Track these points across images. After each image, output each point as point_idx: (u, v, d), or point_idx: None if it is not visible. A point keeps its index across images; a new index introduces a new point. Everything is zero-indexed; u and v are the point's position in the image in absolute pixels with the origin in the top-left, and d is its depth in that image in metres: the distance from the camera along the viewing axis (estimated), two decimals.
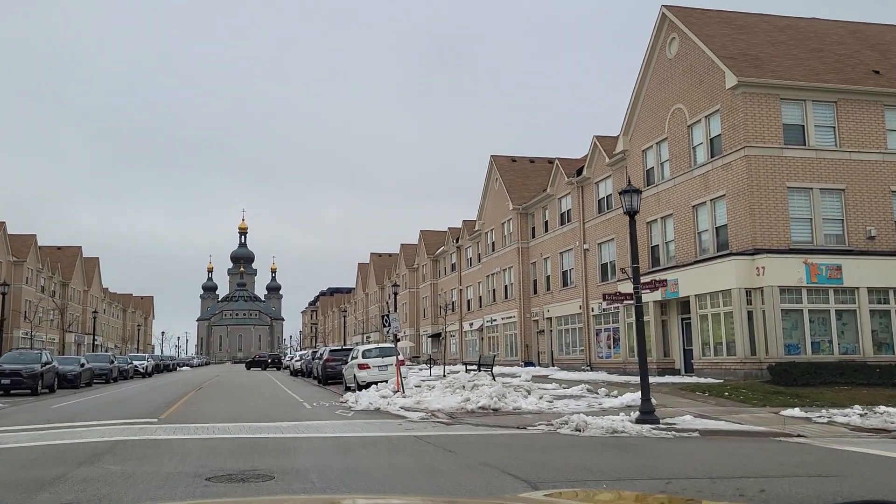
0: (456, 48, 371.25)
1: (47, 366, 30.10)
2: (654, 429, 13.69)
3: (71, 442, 12.18)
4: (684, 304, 27.65)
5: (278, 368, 67.46)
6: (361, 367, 25.94)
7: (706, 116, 26.02)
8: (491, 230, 49.35)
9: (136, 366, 51.67)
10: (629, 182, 16.10)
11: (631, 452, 10.91)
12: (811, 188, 24.09)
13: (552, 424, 14.39)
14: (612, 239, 34.16)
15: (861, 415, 15.12)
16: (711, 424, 14.51)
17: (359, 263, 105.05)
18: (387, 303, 39.46)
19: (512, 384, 19.74)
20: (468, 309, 56.31)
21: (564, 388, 22.30)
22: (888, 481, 8.86)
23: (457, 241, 59.17)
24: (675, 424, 14.32)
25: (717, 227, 25.58)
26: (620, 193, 15.71)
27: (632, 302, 15.19)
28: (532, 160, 48.70)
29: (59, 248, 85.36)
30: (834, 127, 24.64)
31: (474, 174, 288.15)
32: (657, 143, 29.19)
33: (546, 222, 41.96)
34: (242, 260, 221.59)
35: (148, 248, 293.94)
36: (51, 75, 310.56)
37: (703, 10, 29.17)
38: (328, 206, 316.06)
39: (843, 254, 23.57)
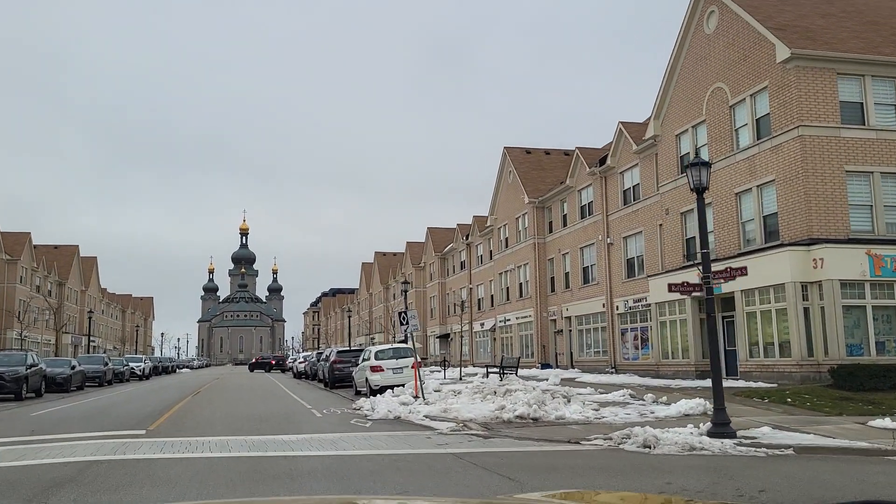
0: (456, 48, 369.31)
1: (33, 368, 27.87)
2: (737, 445, 11.39)
3: (32, 464, 9.92)
4: (726, 302, 25.32)
5: (283, 371, 65.01)
6: (374, 369, 23.66)
7: (752, 95, 23.73)
8: (504, 225, 47.03)
9: (132, 368, 49.38)
10: (696, 155, 13.80)
11: (734, 478, 8.65)
12: (872, 172, 21.80)
13: (611, 439, 12.12)
14: (640, 232, 31.86)
15: None
16: (800, 439, 12.20)
17: (362, 263, 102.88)
18: (405, 301, 37.39)
19: (539, 388, 17.48)
20: (479, 308, 54.02)
21: (602, 394, 20.02)
22: None
23: (467, 238, 56.88)
24: (757, 438, 12.05)
25: (764, 216, 23.28)
26: (688, 167, 13.44)
27: (701, 294, 12.90)
28: (547, 152, 46.42)
29: (55, 246, 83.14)
30: (895, 105, 22.37)
31: (475, 174, 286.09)
32: (693, 127, 26.89)
33: (565, 216, 39.65)
34: (243, 261, 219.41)
35: (148, 249, 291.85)
36: (51, 75, 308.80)
37: None
38: (329, 206, 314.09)
39: None
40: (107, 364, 40.29)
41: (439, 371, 36.57)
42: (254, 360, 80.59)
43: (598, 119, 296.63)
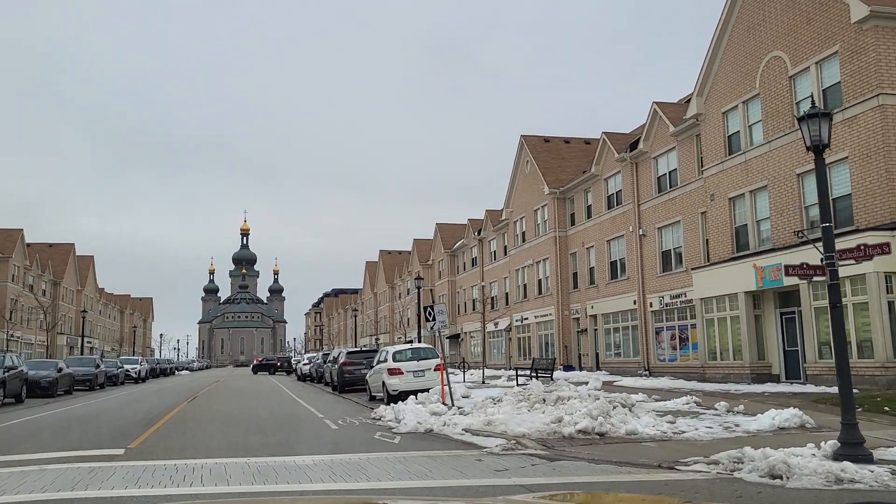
0: (457, 48, 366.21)
1: (12, 371, 25.21)
2: (891, 472, 8.71)
3: None
4: (784, 296, 22.66)
5: (288, 373, 62.07)
6: (392, 372, 20.97)
7: (817, 63, 21.04)
8: (521, 219, 44.29)
9: (127, 370, 46.70)
10: (816, 105, 11.19)
11: None
12: None
13: (717, 463, 9.44)
14: (678, 221, 29.14)
15: None
16: None
17: (366, 262, 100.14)
18: (419, 299, 34.81)
19: (600, 396, 14.81)
20: (492, 307, 51.25)
21: (658, 401, 17.34)
22: None
23: (478, 234, 54.15)
24: None
25: (833, 199, 20.57)
26: (801, 119, 10.84)
27: (822, 278, 10.22)
28: (567, 140, 43.71)
29: (50, 245, 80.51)
30: None
31: (476, 174, 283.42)
32: (744, 102, 24.19)
33: (589, 207, 36.94)
34: (244, 262, 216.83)
35: (148, 250, 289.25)
36: (51, 76, 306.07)
37: None
38: (330, 207, 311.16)
39: None
40: (98, 366, 37.65)
41: (455, 374, 33.84)
42: (257, 361, 77.59)
43: (600, 119, 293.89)
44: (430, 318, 17.45)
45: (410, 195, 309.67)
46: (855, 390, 17.80)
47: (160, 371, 64.00)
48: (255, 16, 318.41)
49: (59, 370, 30.77)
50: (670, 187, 29.71)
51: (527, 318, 43.07)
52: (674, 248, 29.64)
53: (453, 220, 65.39)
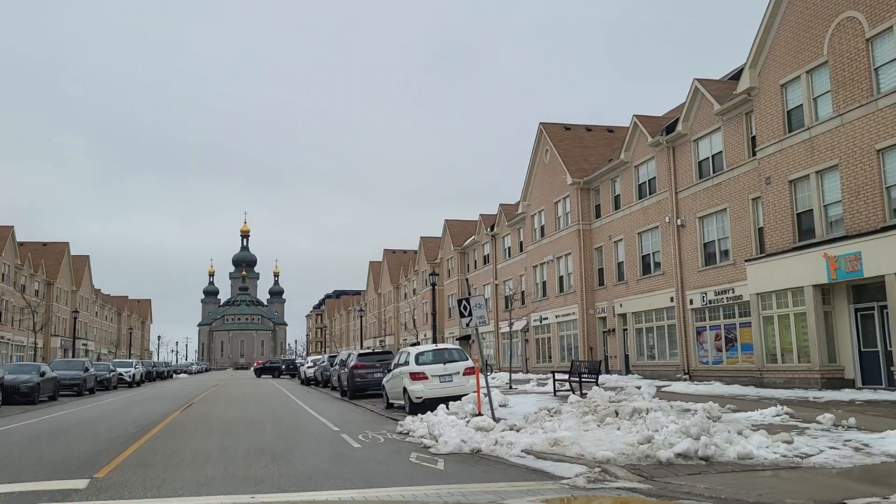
0: (460, 51, 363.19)
1: None
2: None
3: None
4: (859, 290, 19.94)
5: (293, 377, 59.01)
6: (415, 377, 18.22)
7: None
8: (540, 212, 41.52)
9: (120, 374, 43.99)
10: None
11: None
12: None
13: None
14: (723, 210, 26.38)
15: None
16: None
17: (370, 262, 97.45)
18: (433, 296, 32.42)
19: (694, 409, 12.13)
20: (506, 307, 48.50)
21: (737, 412, 14.62)
22: None
23: (491, 230, 51.39)
24: None
25: None
26: None
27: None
28: (588, 128, 40.98)
29: (44, 244, 77.73)
30: None
31: (478, 176, 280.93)
32: (808, 73, 21.45)
33: (616, 197, 34.20)
34: (244, 264, 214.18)
35: (148, 251, 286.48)
36: (52, 80, 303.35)
37: None
38: (330, 210, 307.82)
39: None
40: (87, 370, 34.89)
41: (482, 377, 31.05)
42: (259, 364, 74.63)
43: (600, 118, 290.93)
44: (466, 314, 14.71)
45: (412, 198, 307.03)
46: None
47: (157, 374, 61.29)
48: (257, 20, 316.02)
49: (42, 374, 28.08)
50: (714, 172, 26.97)
51: (546, 318, 40.31)
52: (718, 239, 26.88)
53: (458, 219, 62.47)
